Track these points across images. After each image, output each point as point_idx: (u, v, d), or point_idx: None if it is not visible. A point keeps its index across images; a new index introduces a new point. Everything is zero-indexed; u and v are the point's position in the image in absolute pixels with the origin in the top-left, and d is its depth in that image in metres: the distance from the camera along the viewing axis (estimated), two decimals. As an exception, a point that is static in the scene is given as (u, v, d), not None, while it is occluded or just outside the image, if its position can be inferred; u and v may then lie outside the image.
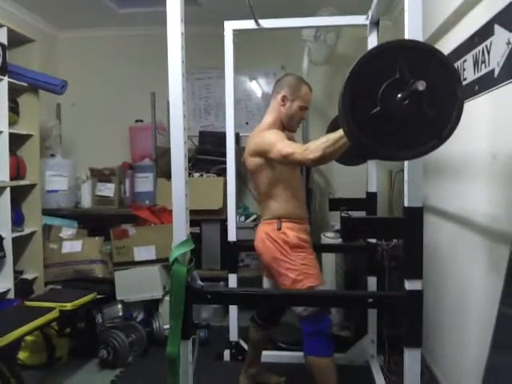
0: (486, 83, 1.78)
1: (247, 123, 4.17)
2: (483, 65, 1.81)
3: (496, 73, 1.68)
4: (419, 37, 1.38)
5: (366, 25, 2.66)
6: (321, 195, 3.83)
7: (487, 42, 1.76)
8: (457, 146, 2.07)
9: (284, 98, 2.22)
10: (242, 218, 3.77)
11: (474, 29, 1.90)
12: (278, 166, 2.13)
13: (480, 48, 1.84)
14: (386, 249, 2.82)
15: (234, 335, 2.92)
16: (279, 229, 2.16)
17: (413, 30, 1.39)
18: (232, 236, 2.86)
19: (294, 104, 2.22)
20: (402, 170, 1.51)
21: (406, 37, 1.40)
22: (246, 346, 2.92)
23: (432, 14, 2.43)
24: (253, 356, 2.54)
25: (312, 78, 3.63)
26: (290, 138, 2.21)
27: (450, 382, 2.27)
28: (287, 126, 2.27)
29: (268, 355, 2.93)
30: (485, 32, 1.79)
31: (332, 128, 2.55)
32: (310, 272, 2.11)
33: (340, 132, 1.74)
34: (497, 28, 1.68)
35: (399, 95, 1.21)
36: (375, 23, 2.62)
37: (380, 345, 2.80)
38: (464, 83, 2.00)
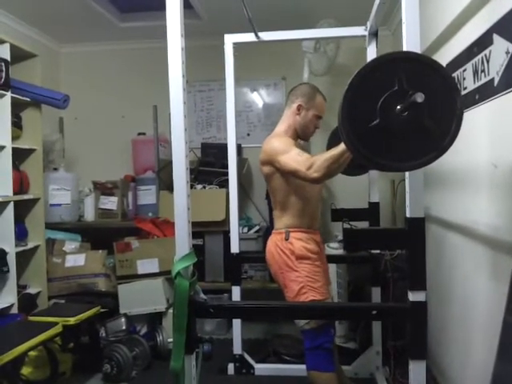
0: (486, 92, 1.78)
1: (249, 134, 4.19)
2: (483, 74, 1.82)
3: (496, 82, 1.69)
4: (417, 48, 1.38)
5: (365, 36, 2.68)
6: (323, 205, 3.81)
7: (486, 52, 1.77)
8: (458, 155, 2.07)
9: (299, 107, 2.22)
10: (245, 230, 3.76)
11: (473, 38, 1.91)
12: (289, 174, 2.10)
13: (479, 57, 1.85)
14: (390, 259, 2.81)
15: (237, 348, 2.89)
16: (287, 239, 2.14)
17: (411, 41, 1.41)
18: (235, 248, 2.86)
19: (309, 113, 2.23)
20: (405, 180, 1.51)
21: (404, 48, 1.40)
22: (250, 360, 2.90)
23: (431, 25, 2.45)
24: None
25: (313, 88, 3.66)
26: (303, 147, 2.21)
27: (457, 394, 2.25)
28: (301, 134, 2.27)
29: (271, 368, 2.91)
30: (484, 41, 1.80)
31: (333, 138, 2.57)
32: (314, 285, 2.07)
33: (342, 146, 1.74)
34: (495, 37, 1.69)
35: (398, 107, 1.22)
36: (374, 34, 2.63)
37: (385, 356, 2.77)
38: (464, 92, 2.01)
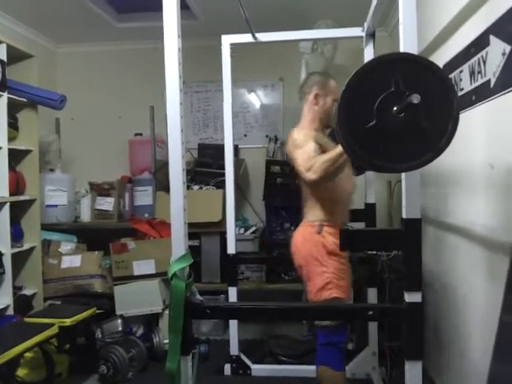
0: (483, 93, 1.79)
1: (245, 135, 4.19)
2: (479, 75, 1.82)
3: (492, 83, 1.69)
4: (414, 49, 1.38)
5: (362, 36, 2.68)
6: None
7: (483, 53, 1.78)
8: (455, 156, 2.07)
9: (316, 96, 2.22)
10: (242, 230, 3.76)
11: (470, 39, 1.92)
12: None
13: (476, 58, 1.85)
14: (386, 260, 2.81)
15: (234, 349, 2.89)
16: (319, 232, 2.10)
17: (408, 42, 1.40)
18: (231, 248, 2.85)
19: (327, 99, 2.22)
20: (401, 181, 1.51)
21: (401, 49, 1.40)
22: (247, 360, 2.90)
23: (428, 26, 2.45)
24: None
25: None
26: (321, 140, 2.18)
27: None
28: (326, 122, 2.25)
29: (268, 369, 2.91)
30: (480, 42, 1.80)
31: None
32: (340, 283, 2.04)
33: (340, 148, 1.74)
34: (492, 38, 1.69)
35: (395, 108, 1.22)
36: (371, 35, 2.64)
37: (381, 357, 2.77)
38: (461, 93, 2.01)
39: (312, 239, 2.11)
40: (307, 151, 2.00)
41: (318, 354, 2.07)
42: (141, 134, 4.06)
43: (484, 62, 1.77)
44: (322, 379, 2.06)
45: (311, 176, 1.91)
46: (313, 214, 2.17)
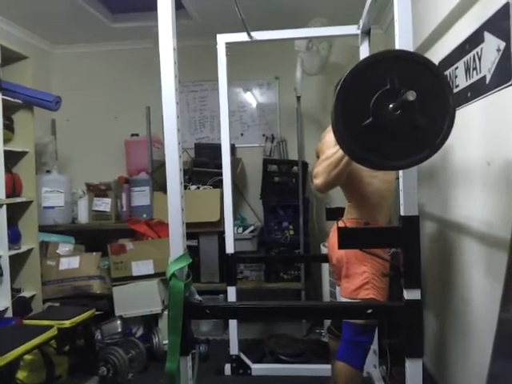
0: (478, 90, 1.79)
1: (242, 134, 4.18)
2: (475, 72, 1.83)
3: (487, 79, 1.69)
4: (409, 46, 1.39)
5: (357, 34, 2.68)
6: (318, 204, 3.83)
7: (478, 49, 1.78)
8: (452, 152, 2.08)
9: None
10: (240, 230, 3.76)
11: (465, 36, 1.92)
12: (354, 167, 1.91)
13: (471, 55, 1.85)
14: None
15: (234, 349, 2.89)
16: None
17: (403, 39, 1.41)
18: (230, 248, 2.85)
19: None
20: (398, 178, 1.51)
21: (396, 47, 1.40)
22: (247, 360, 2.90)
23: (423, 23, 2.45)
24: None
25: (306, 87, 3.66)
26: None
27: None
28: None
29: (268, 368, 2.91)
30: (475, 39, 1.81)
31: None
32: (378, 285, 1.99)
33: (341, 152, 1.73)
34: (486, 35, 1.69)
35: (391, 105, 1.22)
36: (366, 33, 2.63)
37: (382, 355, 2.77)
38: (456, 90, 2.01)
39: None
40: (325, 156, 1.92)
41: (341, 348, 2.04)
42: (137, 135, 4.05)
43: (479, 59, 1.77)
44: (338, 374, 2.03)
45: (315, 182, 1.89)
46: (358, 210, 2.11)
